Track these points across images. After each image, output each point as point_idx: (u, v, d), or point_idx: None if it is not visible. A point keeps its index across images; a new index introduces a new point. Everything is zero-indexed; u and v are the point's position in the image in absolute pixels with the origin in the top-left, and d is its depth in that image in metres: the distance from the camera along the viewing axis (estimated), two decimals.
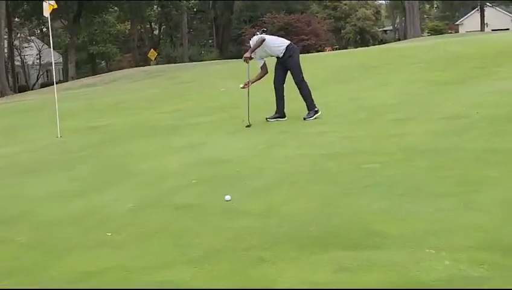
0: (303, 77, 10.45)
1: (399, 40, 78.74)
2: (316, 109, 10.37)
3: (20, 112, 17.40)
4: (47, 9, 11.13)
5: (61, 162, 8.62)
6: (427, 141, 7.63)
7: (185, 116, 12.20)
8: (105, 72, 64.44)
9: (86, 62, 71.42)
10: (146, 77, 22.79)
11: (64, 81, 44.23)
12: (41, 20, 58.23)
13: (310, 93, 10.45)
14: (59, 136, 11.09)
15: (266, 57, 10.59)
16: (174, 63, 50.85)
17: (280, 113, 10.55)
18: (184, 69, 24.40)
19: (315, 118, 10.23)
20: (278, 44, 10.50)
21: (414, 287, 3.60)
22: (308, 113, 10.33)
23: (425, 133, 8.15)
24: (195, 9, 71.10)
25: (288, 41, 10.69)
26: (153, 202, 6.03)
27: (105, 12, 56.54)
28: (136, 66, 63.51)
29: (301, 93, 10.47)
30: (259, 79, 10.67)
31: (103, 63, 75.73)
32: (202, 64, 26.33)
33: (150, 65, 49.03)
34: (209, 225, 5.12)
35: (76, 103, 17.36)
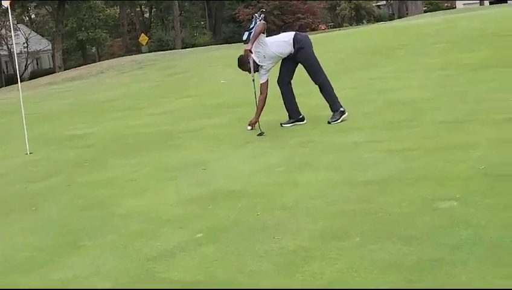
0: (325, 76, 8.46)
1: (393, 14, 76.66)
2: (342, 109, 8.42)
3: None
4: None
5: (20, 200, 6.57)
6: (508, 157, 5.69)
7: (182, 119, 10.21)
8: (96, 59, 62.59)
9: (76, 48, 69.20)
10: (136, 67, 20.70)
11: (53, 70, 42.04)
12: (28, 7, 56.03)
13: (333, 89, 8.51)
14: (28, 152, 9.02)
15: (274, 63, 8.54)
16: (167, 46, 48.76)
17: (295, 116, 8.60)
18: (177, 57, 22.30)
19: (342, 121, 8.29)
20: (286, 39, 8.47)
21: None
22: (333, 115, 8.38)
23: (499, 143, 6.21)
24: None
25: (293, 32, 8.68)
26: (139, 279, 4.08)
27: None
28: (127, 52, 61.60)
29: (323, 94, 8.52)
30: (263, 104, 8.54)
31: (94, 50, 73.40)
32: (197, 51, 24.25)
33: (141, 50, 46.90)
34: None
35: (57, 102, 15.29)
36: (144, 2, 71.09)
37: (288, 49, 8.36)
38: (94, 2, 61.74)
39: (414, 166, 5.79)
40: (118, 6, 65.02)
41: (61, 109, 13.81)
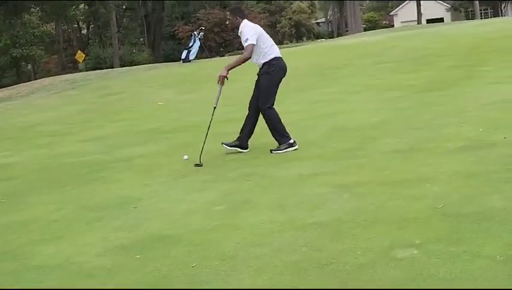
0: (273, 104, 7.85)
1: (332, 32, 77.20)
2: (291, 141, 7.79)
3: None
4: None
5: None
6: (467, 193, 5.22)
7: (113, 147, 9.47)
8: (32, 76, 60.59)
9: (10, 66, 67.09)
10: (68, 87, 19.70)
11: None
12: None
13: (280, 121, 7.86)
14: None
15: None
16: (104, 64, 47.58)
17: (243, 142, 7.98)
18: (113, 76, 21.42)
19: (285, 152, 7.68)
20: (265, 47, 7.77)
21: None
22: (279, 146, 7.79)
23: (456, 176, 5.75)
24: (124, 7, 67.48)
25: (278, 53, 7.96)
26: None
27: (25, 13, 52.44)
28: (63, 69, 59.91)
29: (267, 124, 7.90)
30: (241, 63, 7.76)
31: (29, 67, 71.33)
32: (133, 70, 23.40)
33: (78, 67, 45.57)
34: None
35: None
36: (81, 18, 69.54)
37: (256, 59, 7.82)
38: (29, 18, 59.89)
39: (366, 205, 5.25)
40: (54, 23, 63.27)
41: None
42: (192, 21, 50.81)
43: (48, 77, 31.31)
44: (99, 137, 10.45)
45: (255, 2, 73.40)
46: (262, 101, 7.75)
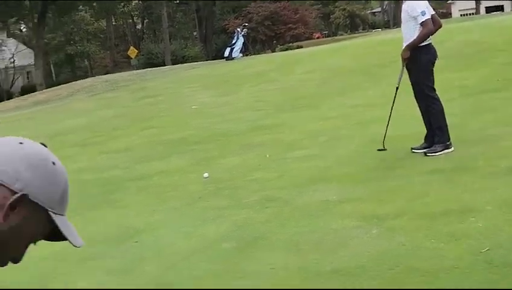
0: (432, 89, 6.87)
1: (388, 22, 75.31)
2: (448, 143, 6.75)
3: None
4: None
5: None
6: None
7: (135, 161, 8.81)
8: (89, 71, 61.05)
9: (66, 63, 67.94)
10: (107, 88, 19.23)
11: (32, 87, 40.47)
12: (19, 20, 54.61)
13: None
14: None
15: None
16: (156, 59, 47.34)
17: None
18: (154, 77, 20.85)
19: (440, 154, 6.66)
20: None
21: None
22: (435, 146, 6.76)
23: (506, 207, 4.85)
24: (177, 1, 67.28)
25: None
26: None
27: (74, 12, 52.78)
28: (116, 65, 60.04)
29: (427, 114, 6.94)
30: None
31: (86, 62, 72.13)
32: (175, 69, 22.84)
33: (131, 63, 45.52)
34: None
35: (5, 135, 13.67)
36: (136, 13, 69.83)
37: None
38: (82, 15, 60.33)
39: (396, 246, 4.42)
40: (105, 19, 63.68)
41: None
42: (242, 15, 50.14)
43: (104, 74, 31.05)
44: (123, 149, 9.81)
45: None
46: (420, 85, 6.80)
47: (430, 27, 6.62)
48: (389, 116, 7.30)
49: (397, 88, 7.22)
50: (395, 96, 7.26)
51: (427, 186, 5.75)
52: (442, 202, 5.24)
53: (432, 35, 6.79)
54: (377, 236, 4.69)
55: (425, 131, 6.92)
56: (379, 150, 7.08)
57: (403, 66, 6.95)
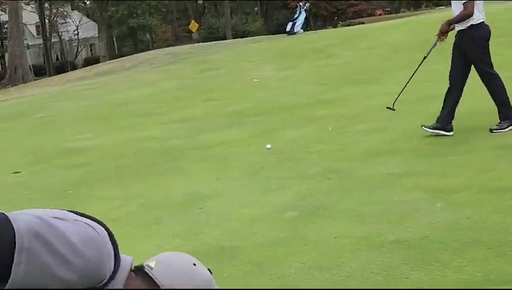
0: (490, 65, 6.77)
1: None
2: None
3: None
4: None
5: None
6: None
7: (196, 131, 8.93)
8: (150, 45, 61.80)
9: (128, 35, 68.83)
10: (169, 61, 19.46)
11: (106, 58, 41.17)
12: None
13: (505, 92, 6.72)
14: (17, 171, 7.85)
15: None
16: (217, 34, 47.50)
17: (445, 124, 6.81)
18: (216, 50, 20.99)
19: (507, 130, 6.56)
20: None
21: None
22: (501, 122, 6.67)
23: None
24: None
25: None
26: None
27: None
28: (177, 39, 60.62)
29: (488, 90, 6.85)
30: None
31: (148, 36, 72.94)
32: (236, 43, 22.90)
33: (192, 37, 45.92)
34: None
35: (75, 103, 14.12)
36: None
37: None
38: None
39: (461, 219, 4.37)
40: None
41: (74, 114, 12.61)
42: None
43: (166, 47, 31.33)
44: (184, 119, 9.95)
45: None
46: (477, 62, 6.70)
47: (469, 10, 6.52)
48: (408, 81, 7.49)
49: (425, 57, 7.27)
50: (419, 64, 7.36)
51: (494, 161, 5.66)
52: (510, 177, 5.15)
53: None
54: (442, 209, 4.65)
55: (494, 108, 6.79)
56: (388, 108, 7.48)
57: (438, 39, 6.95)
